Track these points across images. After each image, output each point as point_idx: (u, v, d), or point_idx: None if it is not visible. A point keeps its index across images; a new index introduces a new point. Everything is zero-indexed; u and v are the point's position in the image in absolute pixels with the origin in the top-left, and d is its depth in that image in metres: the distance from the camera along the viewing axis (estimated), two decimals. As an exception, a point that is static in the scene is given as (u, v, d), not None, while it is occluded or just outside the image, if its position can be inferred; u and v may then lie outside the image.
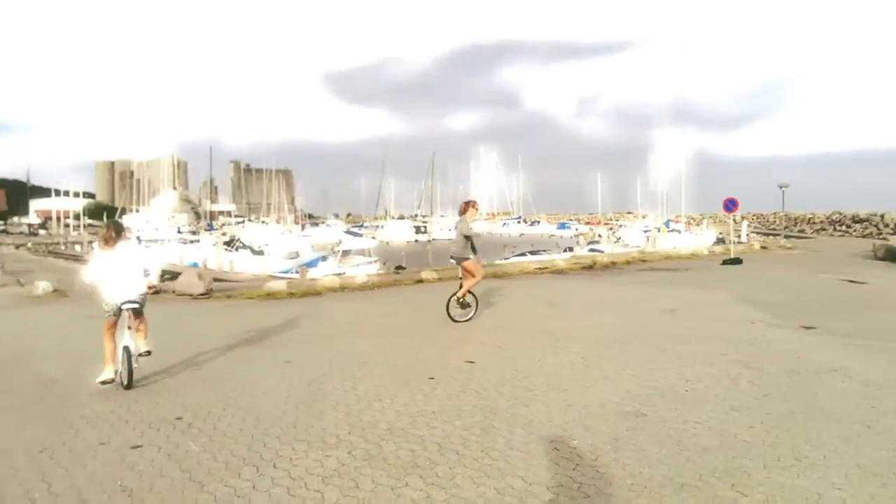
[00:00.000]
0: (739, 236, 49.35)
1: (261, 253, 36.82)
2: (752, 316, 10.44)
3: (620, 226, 78.21)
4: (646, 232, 51.63)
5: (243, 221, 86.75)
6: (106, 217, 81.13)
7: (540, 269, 19.51)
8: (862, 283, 15.39)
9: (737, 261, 21.11)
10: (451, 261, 10.41)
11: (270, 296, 14.51)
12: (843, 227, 48.44)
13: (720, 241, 46.60)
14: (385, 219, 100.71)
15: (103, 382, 6.10)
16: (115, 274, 6.26)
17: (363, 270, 26.22)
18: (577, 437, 4.79)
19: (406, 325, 10.03)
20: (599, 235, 71.07)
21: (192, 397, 5.90)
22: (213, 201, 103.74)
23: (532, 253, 36.24)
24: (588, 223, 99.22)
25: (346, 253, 29.33)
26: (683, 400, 5.70)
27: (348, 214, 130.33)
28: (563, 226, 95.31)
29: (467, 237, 9.89)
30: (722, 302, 12.14)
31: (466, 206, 10.25)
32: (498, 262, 34.91)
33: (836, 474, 4.05)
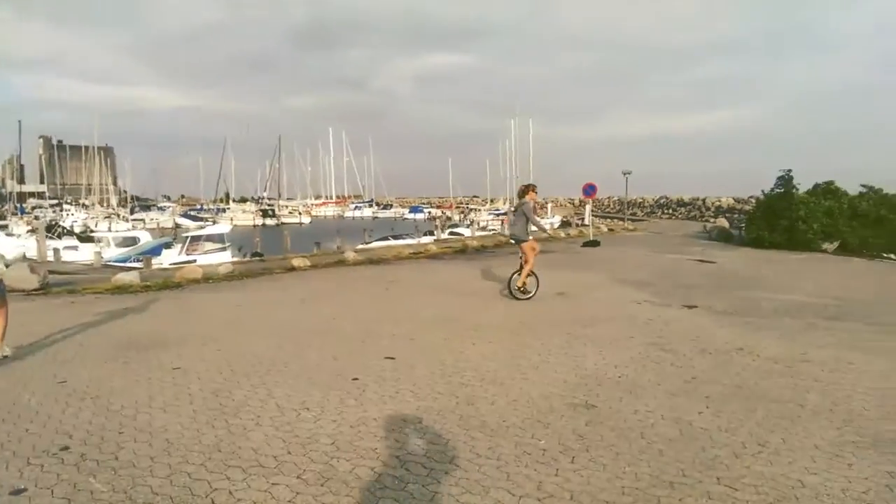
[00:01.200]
0: (583, 220, 53.03)
1: (90, 240, 32.88)
2: (634, 296, 10.92)
3: (471, 209, 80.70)
4: (500, 215, 53.51)
5: (59, 204, 77.59)
6: None
7: (414, 253, 19.22)
8: (712, 262, 16.88)
9: (595, 243, 22.37)
10: (511, 241, 10.87)
11: (121, 289, 12.76)
12: (670, 211, 53.60)
13: (565, 223, 49.59)
14: (225, 202, 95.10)
15: None
16: None
17: (216, 258, 24.26)
18: (540, 436, 4.49)
19: (298, 317, 9.19)
20: (448, 218, 72.88)
21: (71, 419, 4.80)
22: (20, 182, 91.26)
23: (394, 237, 35.91)
24: (440, 207, 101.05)
25: (195, 239, 26.92)
26: (621, 387, 5.64)
27: (181, 196, 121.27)
28: (415, 209, 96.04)
29: (527, 219, 10.33)
30: (600, 284, 12.60)
31: (527, 189, 10.62)
32: (360, 246, 34.31)
33: (802, 458, 4.11)
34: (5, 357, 6.56)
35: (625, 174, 32.72)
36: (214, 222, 66.70)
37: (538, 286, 10.69)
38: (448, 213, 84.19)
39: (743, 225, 26.26)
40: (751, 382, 5.78)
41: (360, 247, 34.86)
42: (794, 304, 10.17)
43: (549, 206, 61.85)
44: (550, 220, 51.23)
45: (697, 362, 6.51)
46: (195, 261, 23.99)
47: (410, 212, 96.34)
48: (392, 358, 6.68)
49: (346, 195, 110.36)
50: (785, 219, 21.23)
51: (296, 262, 16.27)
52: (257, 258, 24.66)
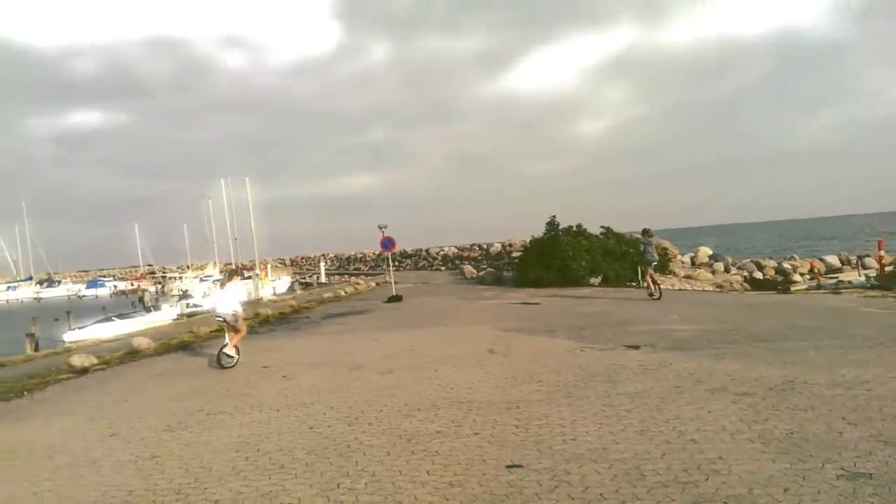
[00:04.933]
0: (318, 277, 51.43)
1: None
2: (561, 345, 10.37)
3: (171, 278, 72.19)
4: (217, 281, 48.52)
5: None
6: None
7: (218, 330, 15.79)
8: (536, 303, 17.42)
9: (398, 298, 21.45)
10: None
11: None
12: (396, 263, 55.22)
13: (303, 284, 47.59)
14: None
15: None
16: None
17: None
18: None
19: (229, 446, 6.38)
20: (145, 290, 64.04)
21: None
22: None
23: (118, 317, 29.62)
24: (126, 278, 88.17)
25: None
26: (740, 448, 4.92)
27: None
28: (95, 283, 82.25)
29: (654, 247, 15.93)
30: (500, 336, 11.72)
31: (648, 231, 16.30)
32: (70, 334, 27.60)
33: None
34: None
35: (381, 228, 32.44)
36: None
37: None
38: (141, 284, 74.11)
39: (510, 268, 28.41)
40: (837, 412, 5.61)
41: (71, 334, 28.12)
42: (699, 333, 10.73)
43: (269, 266, 58.33)
44: (275, 283, 48.38)
45: (788, 402, 6.12)
46: None
47: (89, 287, 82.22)
48: (520, 466, 4.88)
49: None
50: (557, 259, 23.30)
51: (77, 360, 11.88)
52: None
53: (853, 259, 32.01)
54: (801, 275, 29.46)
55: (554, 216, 24.91)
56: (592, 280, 23.31)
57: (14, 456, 6.29)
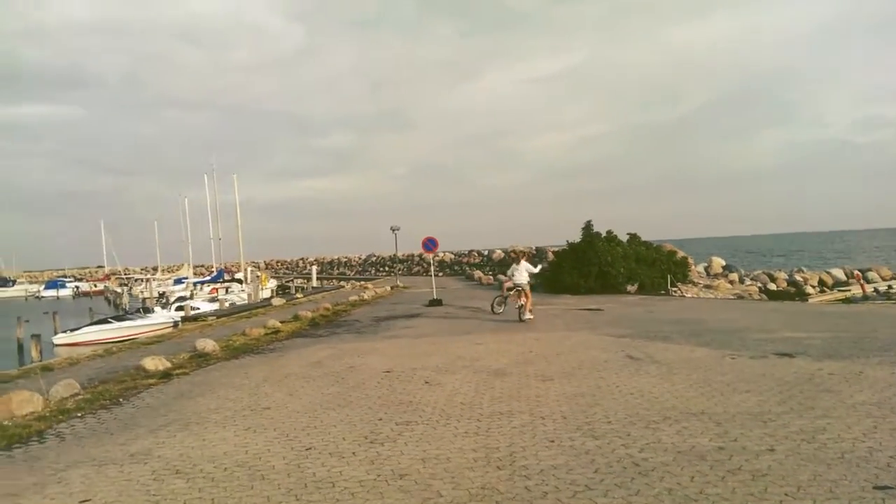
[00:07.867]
0: (309, 281, 49.98)
1: None
2: (702, 352, 9.82)
3: (136, 280, 69.41)
4: (203, 284, 46.64)
5: None
6: None
7: (272, 332, 14.77)
8: (600, 309, 16.87)
9: (439, 301, 20.65)
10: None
11: None
12: (386, 268, 54.13)
13: (298, 288, 46.15)
14: None
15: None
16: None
17: None
18: None
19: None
20: (115, 293, 61.41)
21: None
22: None
23: (116, 318, 27.88)
24: (86, 279, 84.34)
25: None
26: None
27: None
28: (55, 284, 78.31)
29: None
30: (617, 342, 11.15)
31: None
32: (61, 335, 26.06)
33: None
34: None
35: (393, 230, 31.64)
36: None
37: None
38: (108, 286, 71.19)
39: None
40: None
41: (62, 337, 26.44)
42: (831, 341, 10.34)
43: (249, 269, 56.43)
44: (271, 286, 46.80)
45: None
46: None
47: (48, 287, 78.38)
48: (889, 487, 4.23)
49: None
50: (595, 265, 22.82)
51: (150, 363, 10.75)
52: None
53: (856, 273, 32.62)
54: (813, 287, 29.80)
55: (590, 221, 24.48)
56: (629, 287, 22.95)
57: (207, 475, 5.29)
